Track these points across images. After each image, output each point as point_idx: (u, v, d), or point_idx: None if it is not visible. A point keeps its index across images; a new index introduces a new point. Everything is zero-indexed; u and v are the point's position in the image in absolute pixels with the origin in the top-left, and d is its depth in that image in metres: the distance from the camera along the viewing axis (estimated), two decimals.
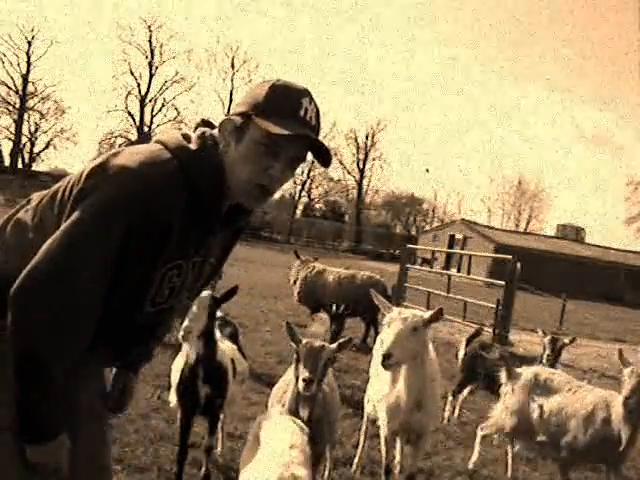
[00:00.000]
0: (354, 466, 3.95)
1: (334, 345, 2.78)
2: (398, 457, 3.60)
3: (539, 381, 3.88)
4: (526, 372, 4.04)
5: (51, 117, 44.78)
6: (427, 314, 3.23)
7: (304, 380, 2.59)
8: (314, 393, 2.65)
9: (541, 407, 3.76)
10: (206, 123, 1.67)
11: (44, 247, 1.43)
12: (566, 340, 5.03)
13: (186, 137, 1.60)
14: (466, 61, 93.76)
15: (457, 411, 5.46)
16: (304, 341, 2.73)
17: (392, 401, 3.36)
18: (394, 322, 3.12)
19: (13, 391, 1.42)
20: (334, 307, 5.46)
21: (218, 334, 3.62)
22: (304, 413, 2.66)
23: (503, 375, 4.17)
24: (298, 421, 2.58)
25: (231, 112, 1.61)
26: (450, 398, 5.45)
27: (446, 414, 5.39)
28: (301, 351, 2.69)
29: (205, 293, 3.36)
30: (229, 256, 1.86)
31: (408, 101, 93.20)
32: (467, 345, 5.52)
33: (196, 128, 1.66)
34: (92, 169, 1.50)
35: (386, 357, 2.99)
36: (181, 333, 3.24)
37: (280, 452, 2.19)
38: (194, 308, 3.28)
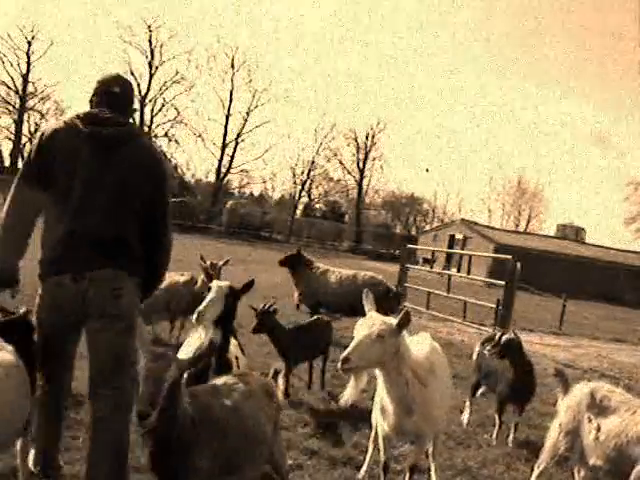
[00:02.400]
0: (362, 472, 3.89)
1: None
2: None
3: (595, 399, 3.63)
4: (582, 388, 3.78)
5: (51, 117, 44.60)
6: (396, 320, 3.18)
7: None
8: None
9: (598, 428, 3.51)
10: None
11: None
12: (514, 333, 5.00)
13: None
14: (466, 61, 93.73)
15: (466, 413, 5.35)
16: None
17: (381, 406, 3.41)
18: (360, 327, 3.15)
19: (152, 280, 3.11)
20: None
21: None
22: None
23: (559, 391, 3.96)
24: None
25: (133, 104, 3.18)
26: (467, 402, 5.35)
27: (465, 416, 5.28)
28: None
29: (224, 283, 3.44)
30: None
31: (408, 101, 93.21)
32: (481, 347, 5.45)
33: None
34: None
35: (344, 361, 3.01)
36: (194, 315, 3.29)
37: None
38: (211, 294, 3.35)
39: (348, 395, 3.59)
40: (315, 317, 6.17)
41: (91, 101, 3.00)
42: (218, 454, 2.56)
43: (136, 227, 2.93)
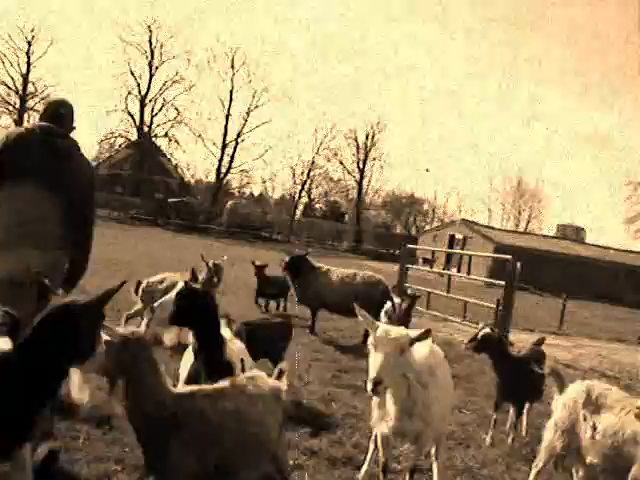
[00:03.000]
0: (362, 472, 3.88)
1: None
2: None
3: (591, 397, 3.59)
4: (577, 386, 3.75)
5: None
6: (415, 334, 3.12)
7: None
8: None
9: (593, 426, 3.48)
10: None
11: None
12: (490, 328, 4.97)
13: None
14: (465, 61, 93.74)
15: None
16: None
17: (382, 408, 3.40)
18: (381, 344, 3.00)
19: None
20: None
21: (229, 333, 3.64)
22: None
23: (555, 390, 3.91)
24: None
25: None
26: (494, 417, 5.08)
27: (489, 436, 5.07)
28: None
29: (180, 283, 3.46)
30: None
31: (409, 101, 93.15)
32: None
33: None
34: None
35: (375, 384, 2.89)
36: (148, 308, 3.35)
37: None
38: (167, 296, 3.39)
39: (376, 419, 3.53)
40: (277, 319, 5.96)
41: (41, 118, 3.67)
42: (208, 457, 2.52)
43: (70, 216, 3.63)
